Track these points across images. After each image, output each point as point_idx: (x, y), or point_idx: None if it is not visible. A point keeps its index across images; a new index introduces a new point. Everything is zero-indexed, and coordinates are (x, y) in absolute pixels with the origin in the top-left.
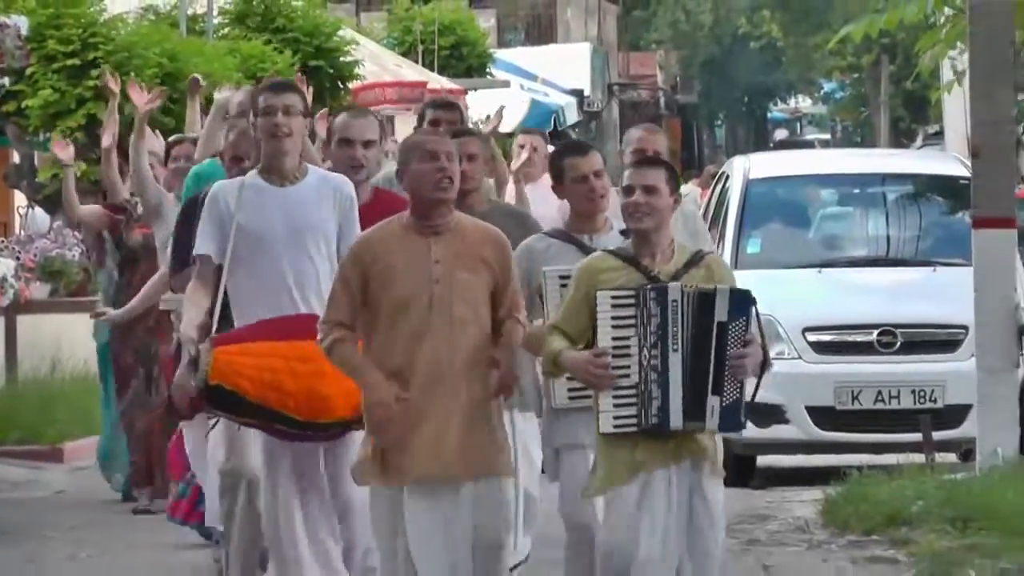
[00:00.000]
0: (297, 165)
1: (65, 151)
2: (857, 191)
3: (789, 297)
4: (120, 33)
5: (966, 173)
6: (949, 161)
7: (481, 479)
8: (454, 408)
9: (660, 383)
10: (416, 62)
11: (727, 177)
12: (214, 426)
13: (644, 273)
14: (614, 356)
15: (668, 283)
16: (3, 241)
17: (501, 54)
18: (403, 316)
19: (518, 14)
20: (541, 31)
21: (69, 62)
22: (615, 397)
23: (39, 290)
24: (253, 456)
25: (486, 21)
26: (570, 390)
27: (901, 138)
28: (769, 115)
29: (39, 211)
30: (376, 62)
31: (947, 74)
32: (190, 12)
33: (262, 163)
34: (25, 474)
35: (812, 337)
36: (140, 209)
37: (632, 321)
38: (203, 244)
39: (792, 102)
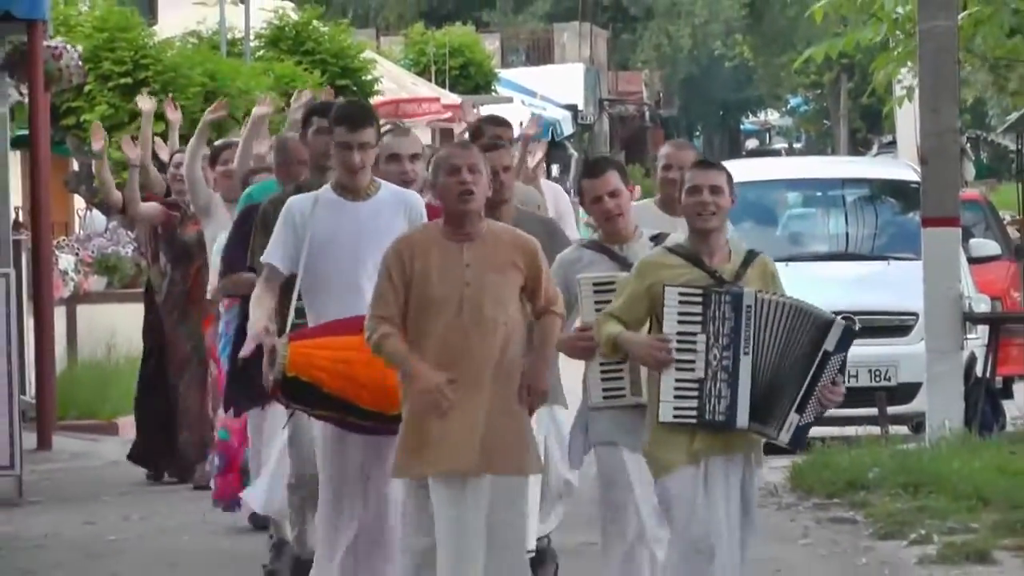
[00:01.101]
0: (369, 182)
1: (133, 151)
2: (820, 194)
3: None
4: (167, 55)
5: (916, 178)
6: (901, 167)
7: (503, 476)
8: (482, 404)
9: (730, 383)
10: (429, 80)
11: None
12: (290, 418)
13: (708, 272)
14: (679, 349)
15: (744, 289)
16: (64, 239)
17: (504, 73)
18: (435, 315)
19: (519, 38)
20: (540, 53)
21: (122, 81)
22: (677, 388)
23: (96, 283)
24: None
25: (491, 44)
26: (604, 391)
27: (858, 147)
28: (741, 127)
29: (96, 213)
30: (394, 80)
31: (899, 90)
32: (229, 36)
33: (337, 180)
34: (83, 446)
35: None
36: (192, 208)
37: (698, 319)
38: (272, 254)
39: (762, 115)
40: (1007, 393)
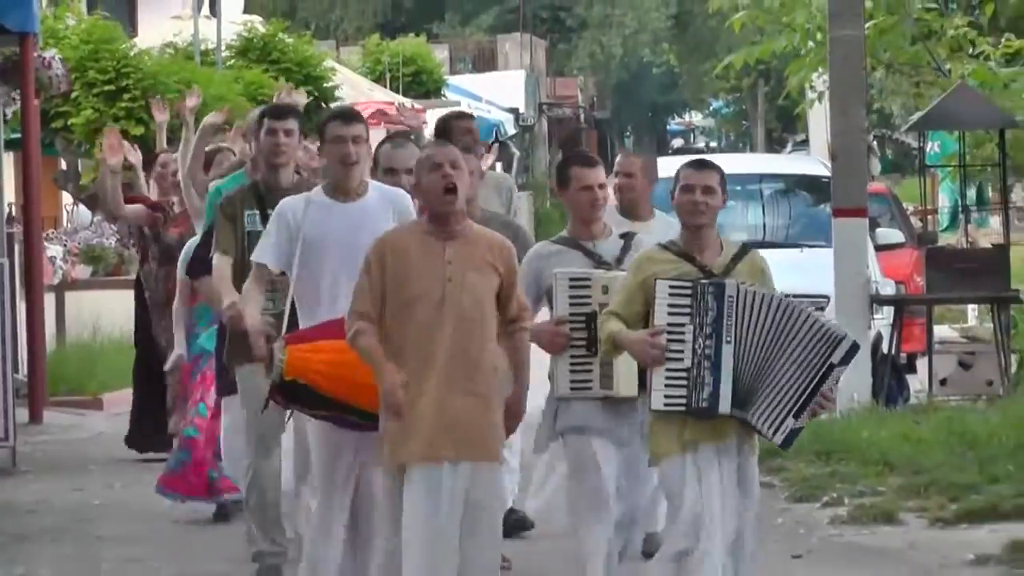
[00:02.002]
0: (359, 182)
1: (113, 155)
2: (739, 188)
3: None
4: (147, 64)
5: (827, 173)
6: (813, 163)
7: (479, 463)
8: (458, 395)
9: (712, 371)
10: (384, 87)
11: None
12: (289, 418)
13: (698, 267)
14: (669, 340)
15: (726, 280)
16: (53, 232)
17: (453, 80)
18: (416, 310)
19: (466, 48)
20: (485, 61)
21: (106, 88)
22: (667, 377)
23: (82, 271)
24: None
25: (440, 53)
26: (572, 382)
27: (774, 145)
28: (668, 127)
29: (82, 208)
30: (352, 87)
31: (811, 93)
32: (203, 47)
33: (329, 182)
34: (71, 419)
35: None
36: (176, 208)
37: (687, 310)
38: (263, 253)
39: (686, 117)
40: (910, 368)
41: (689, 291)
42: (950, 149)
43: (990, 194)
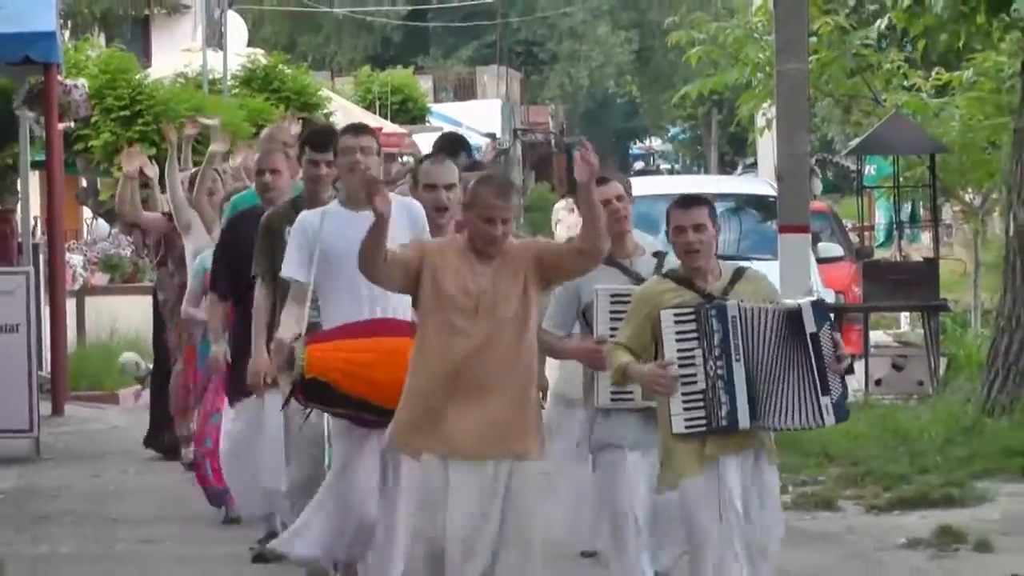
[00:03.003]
0: None
1: (132, 164)
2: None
3: None
4: (159, 92)
5: (773, 193)
6: (761, 184)
7: (515, 462)
8: (495, 396)
9: (727, 389)
10: (375, 114)
11: None
12: (307, 417)
13: (699, 292)
14: (680, 366)
15: (727, 301)
16: (74, 243)
17: (436, 108)
18: (452, 315)
19: (448, 78)
20: (465, 91)
21: (122, 113)
22: (684, 401)
23: (100, 279)
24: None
25: (425, 83)
26: (612, 393)
27: (726, 167)
28: (630, 151)
29: (101, 221)
30: (345, 114)
31: (760, 121)
32: (210, 77)
33: (342, 194)
34: (90, 413)
35: None
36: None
37: (695, 335)
38: (293, 269)
39: (647, 142)
40: (849, 370)
41: (693, 317)
42: (885, 171)
43: (921, 212)
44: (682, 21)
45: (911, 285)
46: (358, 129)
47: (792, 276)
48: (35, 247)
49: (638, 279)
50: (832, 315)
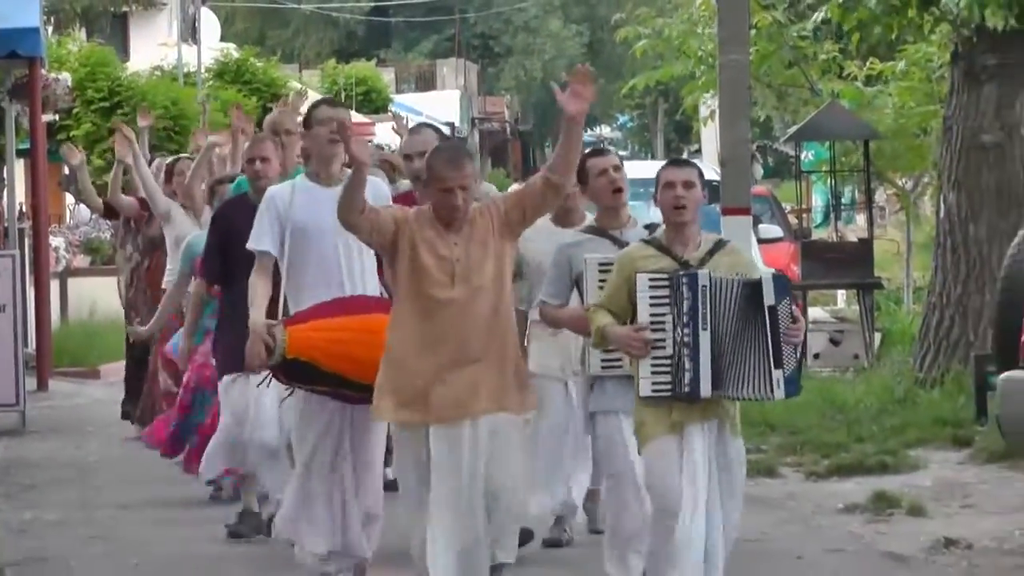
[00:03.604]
0: (340, 170)
1: (124, 149)
2: (642, 190)
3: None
4: (137, 85)
5: (717, 177)
6: (705, 169)
7: (498, 415)
8: (473, 359)
9: (692, 357)
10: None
11: None
12: (290, 394)
13: (676, 260)
14: (652, 330)
15: (698, 270)
16: (57, 227)
17: (398, 98)
18: (427, 284)
19: (409, 71)
20: (425, 82)
21: (102, 104)
22: (652, 366)
23: (82, 260)
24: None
25: (387, 76)
26: (603, 360)
27: (672, 154)
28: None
29: (82, 207)
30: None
31: (704, 110)
32: (185, 70)
33: (311, 168)
34: (73, 387)
35: None
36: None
37: (667, 301)
38: (261, 241)
39: (597, 130)
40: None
41: (667, 283)
42: (822, 157)
43: (856, 195)
44: (629, 17)
45: (847, 264)
46: (334, 101)
47: None
48: (20, 231)
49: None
50: (791, 290)
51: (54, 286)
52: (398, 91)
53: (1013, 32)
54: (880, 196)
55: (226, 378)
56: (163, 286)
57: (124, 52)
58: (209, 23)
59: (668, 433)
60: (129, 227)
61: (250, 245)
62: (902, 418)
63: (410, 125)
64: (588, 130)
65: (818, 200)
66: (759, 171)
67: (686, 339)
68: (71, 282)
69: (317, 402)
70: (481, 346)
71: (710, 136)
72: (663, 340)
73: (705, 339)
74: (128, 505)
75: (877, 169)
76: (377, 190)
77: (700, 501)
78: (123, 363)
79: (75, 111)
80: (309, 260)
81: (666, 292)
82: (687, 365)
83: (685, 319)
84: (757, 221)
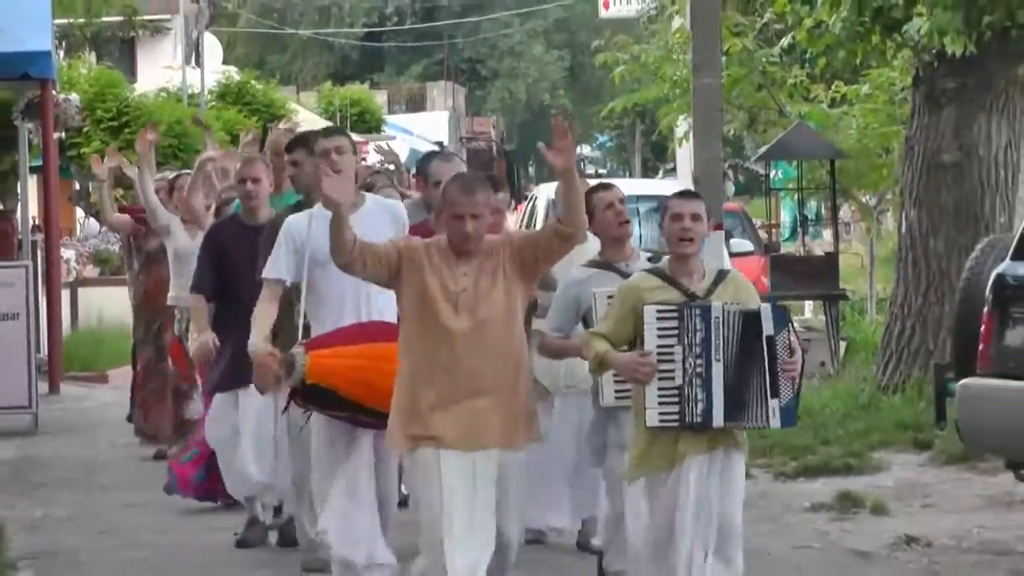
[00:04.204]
0: (355, 195)
1: (101, 169)
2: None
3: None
4: (144, 105)
5: None
6: (680, 187)
7: (506, 450)
8: (485, 392)
9: (704, 387)
10: (335, 124)
11: (535, 198)
12: (308, 418)
13: (682, 291)
14: (659, 360)
15: (712, 302)
16: (68, 239)
17: (390, 119)
18: (434, 315)
19: (401, 93)
20: (416, 104)
21: (111, 123)
22: (660, 395)
23: (91, 271)
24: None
25: (380, 97)
26: (617, 392)
27: (649, 172)
28: None
29: (92, 221)
30: (309, 125)
31: (679, 131)
32: (190, 92)
33: (323, 198)
34: (82, 391)
35: None
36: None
37: (675, 331)
38: (274, 270)
39: (578, 149)
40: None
41: (675, 314)
42: (790, 175)
43: (823, 211)
44: (608, 43)
45: (813, 276)
46: (329, 131)
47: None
48: (33, 244)
49: None
50: (790, 321)
51: (65, 295)
52: (390, 112)
53: (971, 57)
54: (845, 212)
55: (218, 397)
56: (169, 301)
57: (131, 74)
58: (212, 48)
59: (667, 467)
60: (129, 244)
61: (265, 274)
62: (866, 422)
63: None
64: None
65: (786, 216)
66: (731, 188)
67: (699, 369)
68: (81, 292)
69: (338, 427)
70: (490, 378)
71: (684, 155)
72: (671, 371)
73: (718, 369)
74: (135, 503)
75: (842, 187)
76: (396, 216)
77: (692, 529)
78: (129, 368)
79: (85, 130)
80: (328, 288)
81: (674, 323)
82: (699, 395)
83: (698, 350)
84: (729, 236)
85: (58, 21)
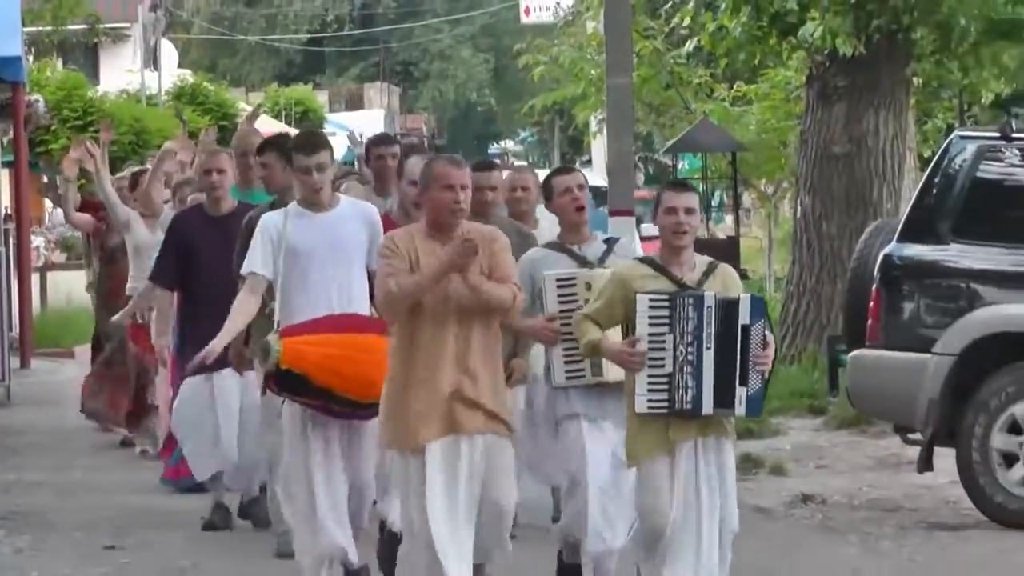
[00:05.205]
0: (330, 196)
1: (70, 168)
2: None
3: None
4: (107, 105)
5: (605, 184)
6: (595, 177)
7: (490, 436)
8: (468, 377)
9: (695, 375)
10: (281, 122)
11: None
12: (283, 404)
13: (674, 281)
14: (650, 348)
15: (704, 292)
16: (37, 228)
17: (331, 117)
18: (424, 304)
19: (341, 93)
20: (354, 103)
21: (76, 123)
22: (649, 382)
23: (59, 257)
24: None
25: (322, 97)
26: (567, 372)
27: (567, 164)
28: (488, 151)
29: (59, 211)
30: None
31: (593, 126)
32: (148, 92)
33: (302, 197)
34: (52, 366)
35: None
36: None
37: (666, 320)
38: (254, 263)
39: (502, 144)
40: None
41: (667, 303)
42: (696, 166)
43: (725, 199)
44: (529, 46)
45: (717, 258)
46: (307, 142)
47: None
48: (5, 232)
49: (584, 262)
50: (766, 314)
51: (35, 279)
52: (331, 111)
53: (861, 58)
54: (745, 199)
55: (187, 382)
56: (127, 292)
57: (95, 77)
58: (168, 53)
59: (661, 453)
60: (89, 242)
61: (243, 269)
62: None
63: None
64: (494, 144)
65: None
66: (641, 179)
67: (690, 357)
68: (49, 275)
69: (311, 417)
70: (474, 362)
71: (599, 148)
72: (661, 359)
73: (708, 358)
74: (100, 467)
75: (743, 176)
76: (369, 218)
77: (688, 517)
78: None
79: (52, 128)
80: (302, 284)
81: (665, 312)
82: (690, 383)
83: (689, 338)
84: (640, 221)
85: (27, 29)
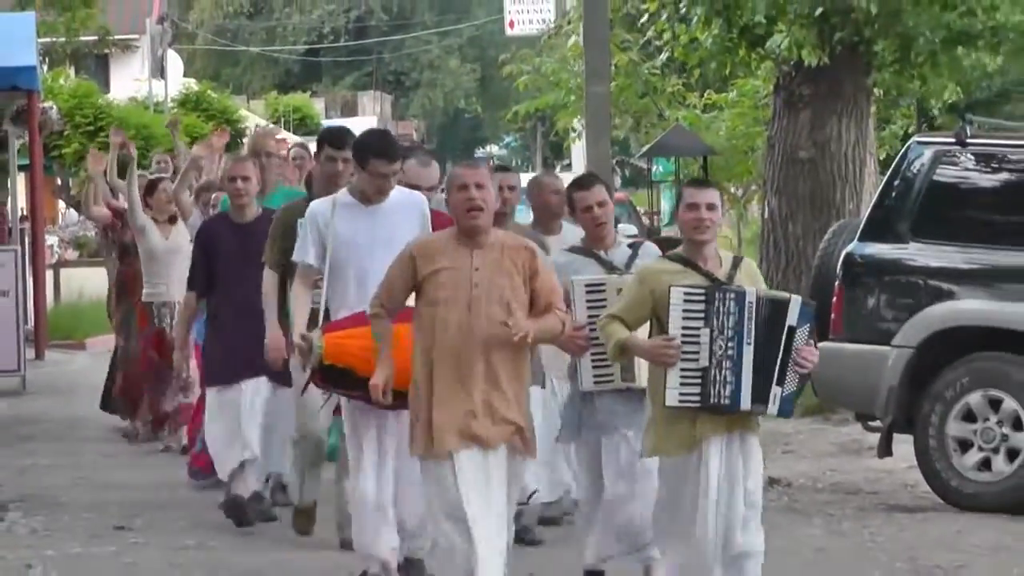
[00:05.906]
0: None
1: (98, 164)
2: (524, 196)
3: None
4: (116, 112)
5: None
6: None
7: (511, 449)
8: (488, 389)
9: (734, 370)
10: (280, 127)
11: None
12: (326, 402)
13: (707, 276)
14: (683, 342)
15: (745, 287)
16: (51, 227)
17: (327, 123)
18: (446, 312)
19: (336, 100)
20: (349, 110)
21: (88, 128)
22: (681, 376)
23: (71, 254)
24: (320, 421)
25: (319, 105)
26: (596, 376)
27: (548, 167)
28: (475, 156)
29: (72, 211)
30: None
31: (573, 132)
32: (155, 100)
33: (355, 186)
34: (65, 357)
35: None
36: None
37: (701, 315)
38: (305, 254)
39: (488, 148)
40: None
41: (702, 297)
42: (669, 169)
43: None
44: (513, 56)
45: None
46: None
47: None
48: (21, 231)
49: (611, 268)
50: (814, 319)
51: (49, 275)
52: (327, 117)
53: (825, 68)
54: None
55: (213, 390)
56: (144, 299)
57: (105, 86)
58: (174, 62)
59: (685, 451)
60: (106, 236)
61: (295, 257)
62: None
63: None
64: (480, 148)
65: (666, 205)
66: (618, 181)
67: (729, 352)
68: (63, 272)
69: (361, 410)
70: (498, 369)
71: (578, 153)
72: (696, 353)
73: (749, 354)
74: (110, 453)
75: (713, 179)
76: (420, 208)
77: (711, 511)
78: (104, 337)
79: (65, 134)
80: (349, 274)
81: (701, 306)
82: (729, 378)
83: (730, 333)
84: (617, 221)
85: (42, 40)
